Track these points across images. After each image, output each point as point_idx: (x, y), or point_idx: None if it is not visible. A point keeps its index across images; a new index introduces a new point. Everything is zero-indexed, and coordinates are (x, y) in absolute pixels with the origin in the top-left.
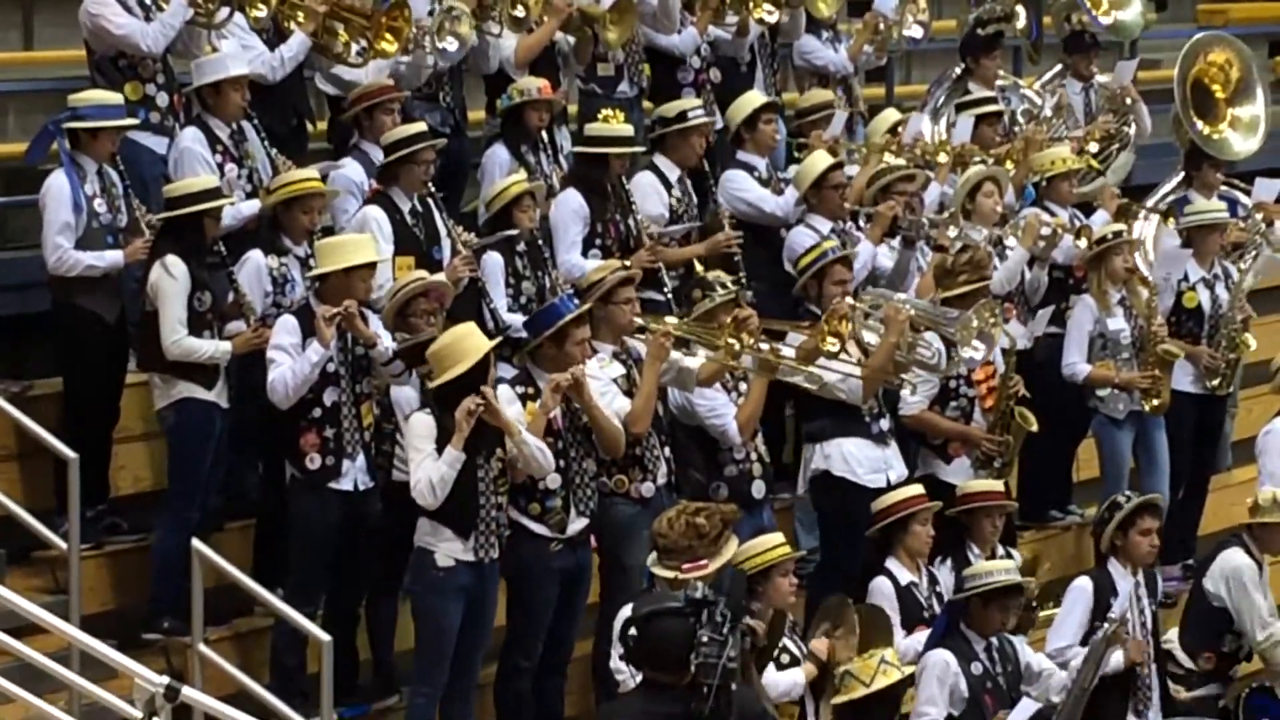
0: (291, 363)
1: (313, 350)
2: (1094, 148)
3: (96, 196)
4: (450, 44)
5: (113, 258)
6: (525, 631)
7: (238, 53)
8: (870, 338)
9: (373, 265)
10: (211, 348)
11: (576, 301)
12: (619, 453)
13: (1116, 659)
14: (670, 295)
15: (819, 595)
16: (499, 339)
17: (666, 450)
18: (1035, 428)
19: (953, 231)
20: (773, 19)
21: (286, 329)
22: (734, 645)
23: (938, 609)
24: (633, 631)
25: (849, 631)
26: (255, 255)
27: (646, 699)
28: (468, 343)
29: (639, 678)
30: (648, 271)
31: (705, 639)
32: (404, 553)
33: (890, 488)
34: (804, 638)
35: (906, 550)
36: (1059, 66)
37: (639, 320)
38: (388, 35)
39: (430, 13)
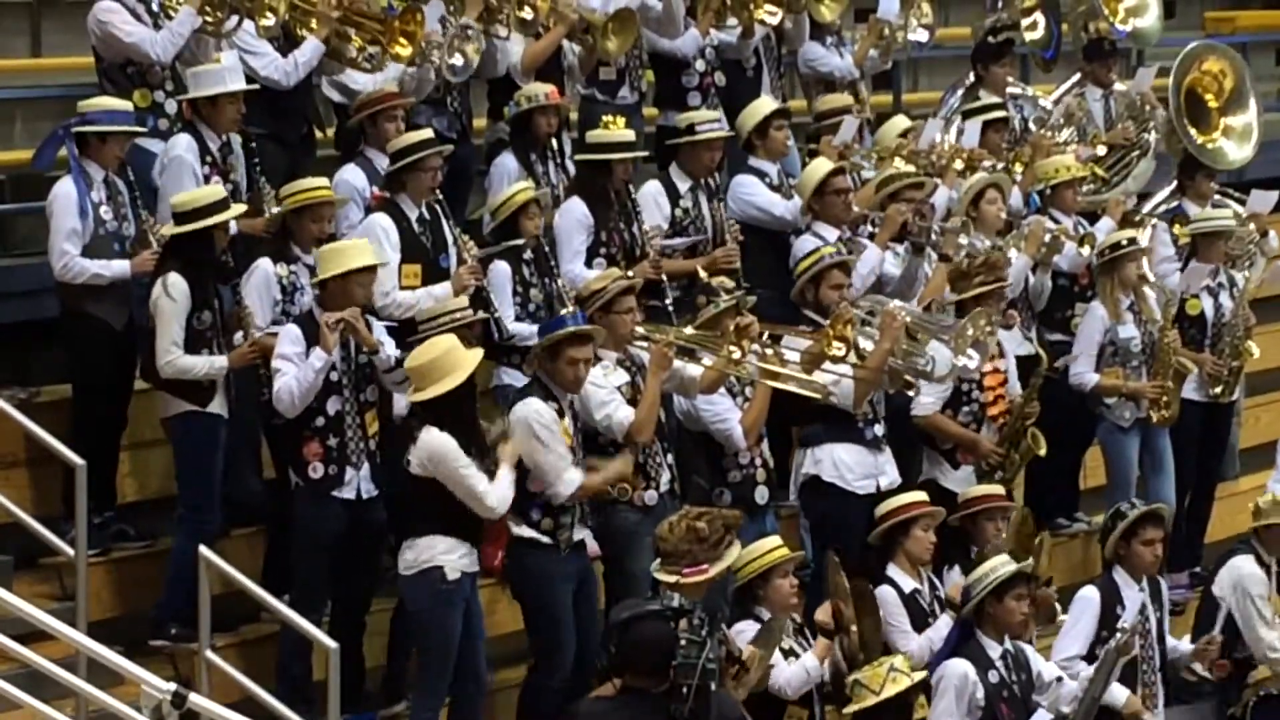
0: (296, 371)
1: (315, 357)
2: (1101, 150)
3: (103, 204)
4: (457, 60)
5: (119, 267)
6: (553, 643)
7: (236, 66)
8: (866, 344)
9: (372, 269)
10: (205, 365)
11: (583, 319)
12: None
13: (1118, 698)
14: (671, 305)
15: (811, 601)
16: (480, 352)
17: (669, 457)
18: (1044, 452)
19: (962, 239)
20: (774, 20)
21: (290, 339)
22: (712, 648)
23: (939, 614)
24: (614, 642)
25: (843, 597)
26: (264, 264)
27: (626, 705)
28: (451, 357)
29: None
30: (650, 281)
31: (683, 641)
32: None
33: (880, 494)
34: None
35: (907, 556)
36: (1078, 74)
37: (639, 329)
38: (401, 40)
39: (441, 20)
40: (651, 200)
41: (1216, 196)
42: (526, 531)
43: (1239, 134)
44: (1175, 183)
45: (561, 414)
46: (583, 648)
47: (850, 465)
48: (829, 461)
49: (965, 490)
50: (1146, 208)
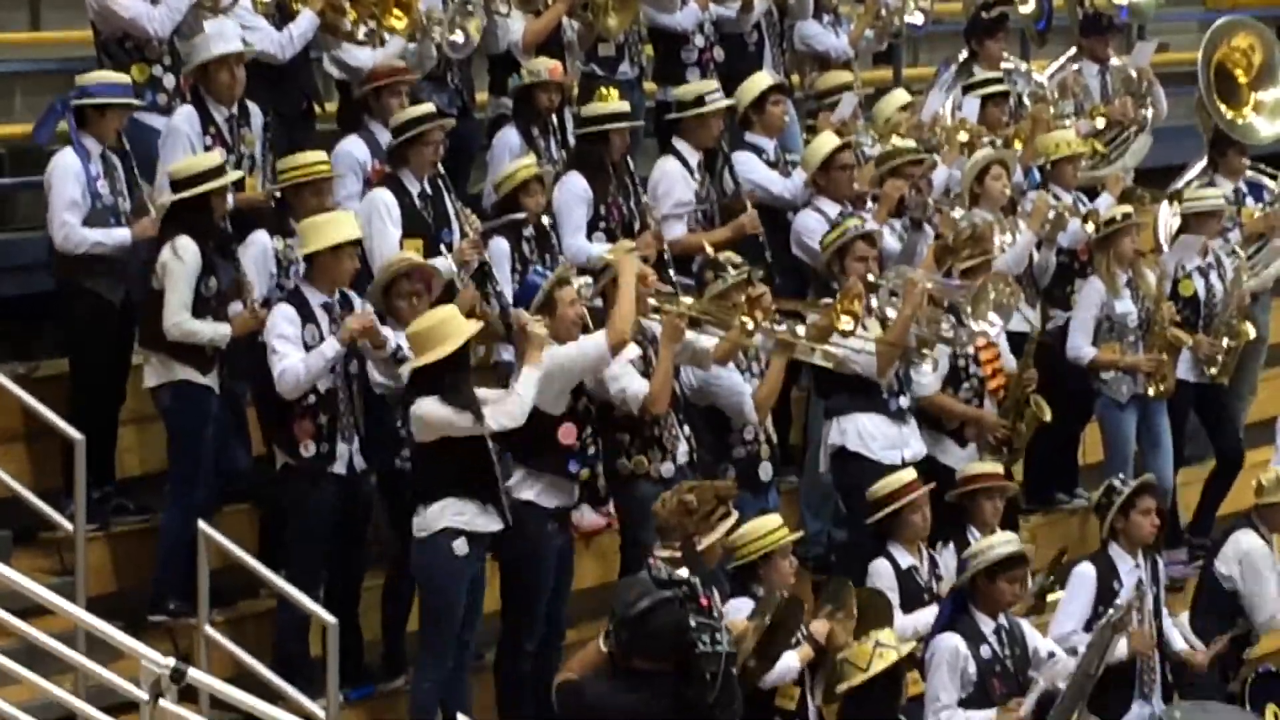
0: (303, 356)
1: (328, 347)
2: (1101, 123)
3: (100, 178)
4: (458, 37)
5: (120, 235)
6: (526, 613)
7: (223, 31)
8: (892, 314)
9: (358, 242)
10: (211, 331)
11: (547, 272)
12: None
13: (1121, 649)
14: (676, 279)
15: (837, 570)
16: (478, 325)
17: (686, 429)
18: (1049, 417)
19: (958, 213)
20: None
21: (287, 318)
22: (724, 630)
23: (938, 591)
24: (627, 629)
25: (848, 615)
26: (261, 236)
27: (636, 688)
28: (449, 326)
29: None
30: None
31: (694, 623)
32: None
33: (905, 465)
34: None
35: (904, 537)
36: (1074, 50)
37: (653, 301)
38: (396, 11)
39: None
40: (680, 179)
41: (1249, 173)
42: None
43: (1270, 109)
44: (1206, 159)
45: None
46: (554, 613)
47: (875, 435)
48: (854, 432)
49: (964, 467)
50: (1178, 184)
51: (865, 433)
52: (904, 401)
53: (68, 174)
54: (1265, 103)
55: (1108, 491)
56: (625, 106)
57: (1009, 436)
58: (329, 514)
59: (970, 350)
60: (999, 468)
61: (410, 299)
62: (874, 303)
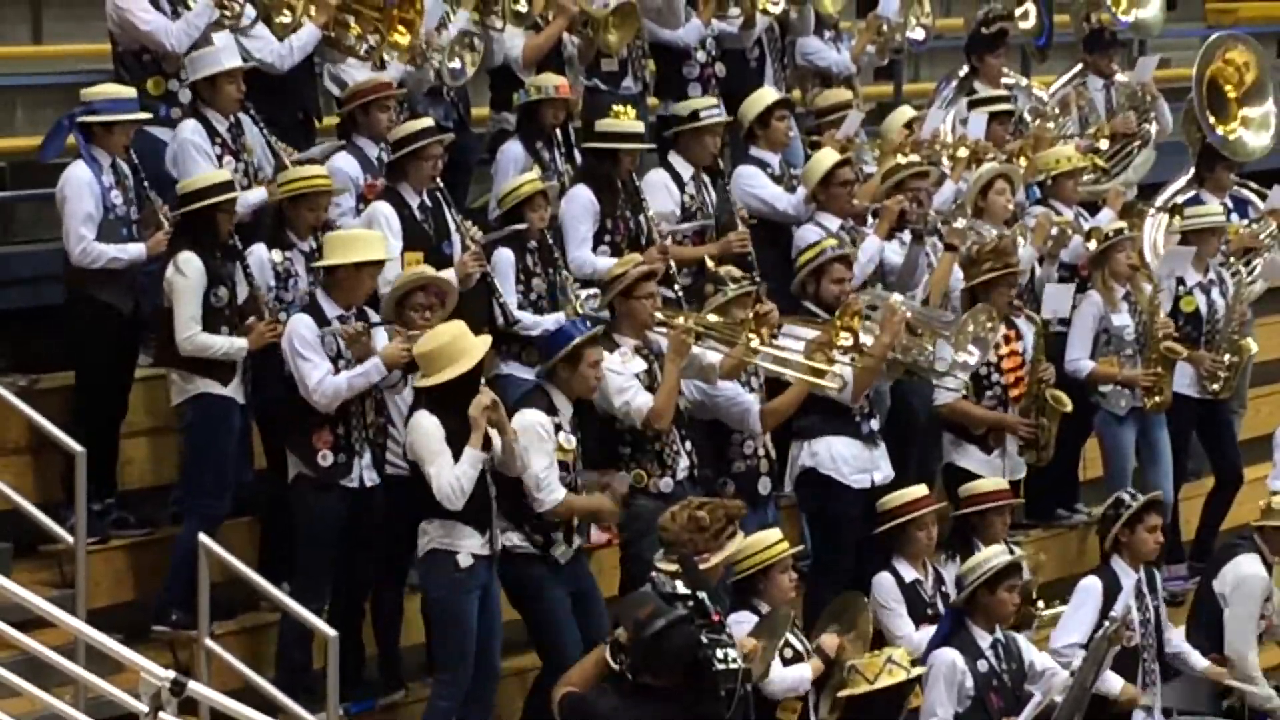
0: (346, 372)
1: (374, 369)
2: (1104, 145)
3: (112, 189)
4: (456, 65)
5: (135, 250)
6: (553, 650)
7: (230, 45)
8: (866, 338)
9: (381, 263)
10: (225, 344)
11: (588, 324)
12: None
13: (1113, 687)
14: (681, 293)
15: (811, 593)
16: (490, 340)
17: (688, 444)
18: (1069, 408)
19: (961, 222)
20: (777, 9)
21: (308, 326)
22: (734, 644)
23: (943, 607)
24: (642, 648)
25: (860, 636)
26: (259, 249)
27: (647, 702)
28: (462, 343)
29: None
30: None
31: (705, 639)
32: (406, 545)
33: (874, 488)
34: (808, 634)
35: (909, 552)
36: (1079, 65)
37: (659, 315)
38: (400, 28)
39: (440, 23)
40: (662, 188)
41: (1234, 188)
42: (515, 540)
43: (1257, 124)
44: (1192, 172)
45: (559, 427)
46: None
47: (846, 459)
48: (825, 454)
49: (969, 485)
50: (1161, 198)
51: (837, 456)
52: (874, 424)
53: (81, 187)
54: (1252, 118)
55: (1115, 504)
56: (639, 127)
57: (1034, 434)
58: (335, 522)
59: (992, 358)
60: (1005, 483)
61: (424, 312)
62: None
